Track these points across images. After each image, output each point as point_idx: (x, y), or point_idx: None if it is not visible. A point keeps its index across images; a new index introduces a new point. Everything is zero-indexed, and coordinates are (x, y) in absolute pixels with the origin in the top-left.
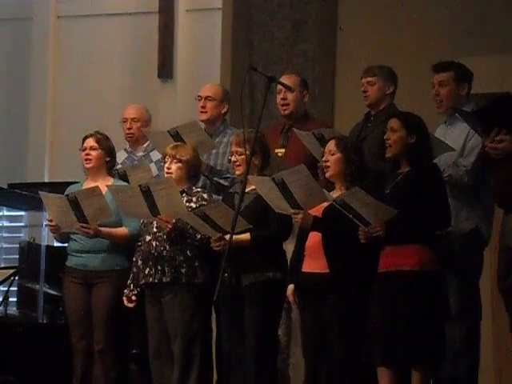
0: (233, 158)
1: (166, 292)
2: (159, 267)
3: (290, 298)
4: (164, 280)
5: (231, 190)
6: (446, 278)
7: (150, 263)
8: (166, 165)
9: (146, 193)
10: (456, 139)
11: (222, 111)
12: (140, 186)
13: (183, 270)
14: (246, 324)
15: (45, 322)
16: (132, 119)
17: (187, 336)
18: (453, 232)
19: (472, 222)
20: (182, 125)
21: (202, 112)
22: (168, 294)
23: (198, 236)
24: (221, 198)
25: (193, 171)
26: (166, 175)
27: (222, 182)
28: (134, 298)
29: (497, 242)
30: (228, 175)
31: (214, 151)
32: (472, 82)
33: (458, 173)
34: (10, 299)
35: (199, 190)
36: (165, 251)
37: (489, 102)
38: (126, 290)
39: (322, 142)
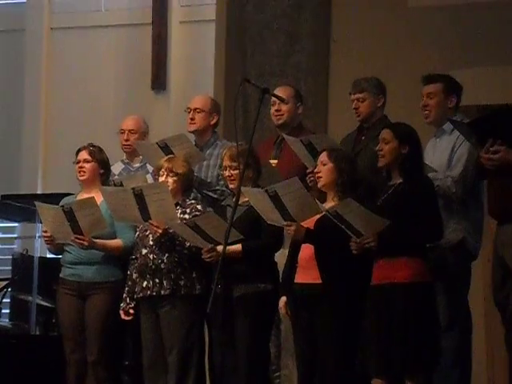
0: (226, 173)
1: (163, 304)
2: (157, 280)
3: (282, 310)
4: (163, 293)
5: (223, 203)
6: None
7: (148, 276)
8: (162, 178)
9: (139, 196)
10: (443, 151)
11: (212, 122)
12: (133, 189)
13: (181, 282)
14: (237, 335)
15: (38, 333)
16: (130, 131)
17: (184, 348)
18: (440, 244)
19: (459, 234)
20: (170, 137)
21: (190, 123)
22: (165, 306)
23: (187, 244)
24: (212, 209)
25: (187, 184)
26: None
27: (211, 194)
28: (131, 311)
29: (488, 253)
30: (217, 187)
31: (204, 163)
32: (461, 95)
33: (446, 184)
34: (3, 311)
35: (193, 201)
36: (162, 264)
37: (484, 113)
38: (122, 304)
39: (310, 148)
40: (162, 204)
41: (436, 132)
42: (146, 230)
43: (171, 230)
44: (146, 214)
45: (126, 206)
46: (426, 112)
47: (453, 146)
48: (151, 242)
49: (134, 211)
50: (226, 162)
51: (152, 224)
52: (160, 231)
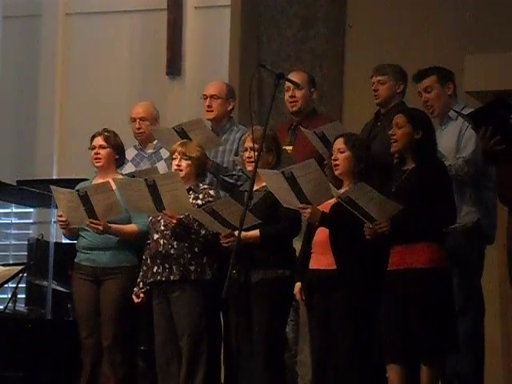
0: (247, 154)
1: (174, 289)
2: (167, 265)
3: (297, 296)
4: (172, 278)
5: (241, 188)
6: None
7: (158, 261)
8: (176, 162)
9: (152, 187)
10: (449, 137)
11: (228, 108)
12: (146, 179)
13: (192, 268)
14: (254, 321)
15: (53, 318)
16: (140, 118)
17: (195, 333)
18: (455, 228)
19: (473, 217)
20: (187, 122)
21: (208, 111)
22: (176, 291)
23: (203, 232)
24: (228, 194)
25: (201, 168)
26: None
27: (227, 179)
28: (141, 295)
29: (503, 238)
30: (234, 173)
31: (220, 148)
32: (455, 80)
33: (458, 163)
34: (19, 296)
35: (206, 186)
36: (172, 249)
37: (482, 105)
38: (135, 288)
39: (324, 140)
40: (176, 194)
41: (440, 121)
42: (158, 215)
43: (183, 216)
44: (159, 205)
45: (139, 197)
46: (429, 107)
47: (460, 129)
48: (162, 228)
49: (147, 202)
50: (248, 144)
51: (166, 214)
52: (174, 221)
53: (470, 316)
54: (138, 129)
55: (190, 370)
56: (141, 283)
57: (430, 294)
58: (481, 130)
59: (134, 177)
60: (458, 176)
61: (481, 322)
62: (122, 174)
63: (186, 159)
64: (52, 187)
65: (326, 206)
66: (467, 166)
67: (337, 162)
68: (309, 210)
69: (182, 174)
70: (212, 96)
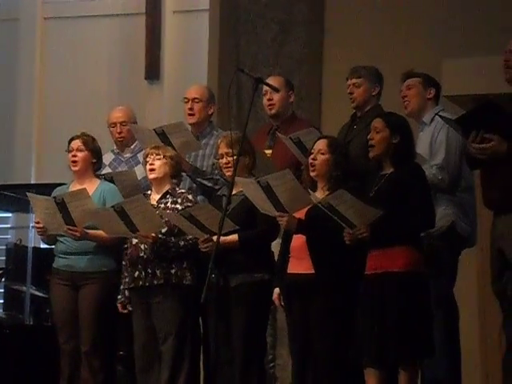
0: (223, 160)
1: (155, 294)
2: (149, 270)
3: (276, 302)
4: (155, 282)
5: (219, 193)
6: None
7: (140, 266)
8: (149, 161)
9: (121, 213)
10: (422, 144)
11: (209, 112)
12: (113, 207)
13: (172, 271)
14: (234, 325)
15: (31, 323)
16: (121, 123)
17: (177, 338)
18: (430, 232)
19: (448, 220)
20: (168, 124)
21: (189, 114)
22: (157, 296)
23: (182, 243)
24: (205, 198)
25: (176, 169)
26: (149, 173)
27: (205, 182)
28: (129, 307)
29: (482, 242)
30: (212, 176)
31: (200, 153)
32: (440, 89)
33: (432, 172)
34: None
35: (183, 191)
36: (153, 253)
37: (470, 109)
38: (119, 296)
39: (300, 145)
40: (145, 215)
41: (419, 126)
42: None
43: (161, 232)
44: (132, 227)
45: (112, 223)
46: (406, 102)
47: (432, 135)
48: None
49: (121, 226)
50: (223, 150)
51: (141, 235)
52: (150, 241)
53: (441, 320)
54: (120, 133)
55: (172, 374)
56: (126, 291)
57: (406, 298)
58: (470, 134)
59: (111, 178)
60: (435, 185)
61: (455, 325)
62: (99, 177)
63: (160, 158)
64: (29, 194)
65: (301, 213)
66: (441, 172)
67: (315, 163)
68: (285, 219)
69: (156, 174)
70: (194, 99)
